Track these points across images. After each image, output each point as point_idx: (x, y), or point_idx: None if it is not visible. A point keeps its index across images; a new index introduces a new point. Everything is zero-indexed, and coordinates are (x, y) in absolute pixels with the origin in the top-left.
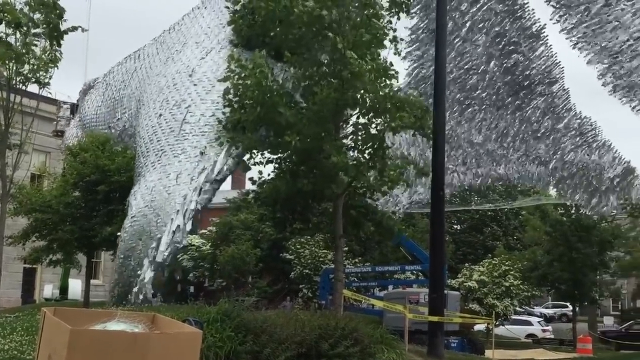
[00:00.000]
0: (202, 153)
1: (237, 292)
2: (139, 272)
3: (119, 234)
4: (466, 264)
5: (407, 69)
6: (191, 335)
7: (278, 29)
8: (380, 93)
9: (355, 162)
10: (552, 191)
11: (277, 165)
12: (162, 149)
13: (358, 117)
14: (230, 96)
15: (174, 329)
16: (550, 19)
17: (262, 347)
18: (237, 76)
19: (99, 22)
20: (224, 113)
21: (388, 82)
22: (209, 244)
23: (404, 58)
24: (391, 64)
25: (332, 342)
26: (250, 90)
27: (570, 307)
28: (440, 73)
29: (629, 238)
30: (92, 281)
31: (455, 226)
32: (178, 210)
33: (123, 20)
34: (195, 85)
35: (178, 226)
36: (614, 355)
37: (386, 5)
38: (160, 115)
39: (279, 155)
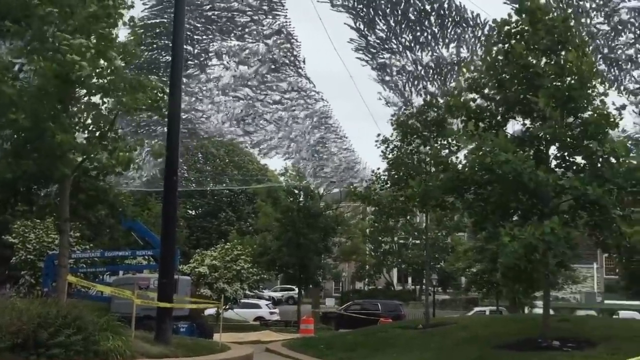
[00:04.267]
0: None
1: None
2: None
3: None
4: (199, 249)
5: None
6: None
7: None
8: (108, 72)
9: (85, 141)
10: (282, 179)
11: None
12: None
13: (89, 96)
14: None
15: None
16: None
17: None
18: None
19: None
20: None
21: (120, 61)
22: None
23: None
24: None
25: (52, 331)
26: None
27: (297, 290)
28: (177, 54)
29: (350, 225)
30: None
31: (190, 212)
32: None
33: None
34: None
35: None
36: (333, 334)
37: None
38: None
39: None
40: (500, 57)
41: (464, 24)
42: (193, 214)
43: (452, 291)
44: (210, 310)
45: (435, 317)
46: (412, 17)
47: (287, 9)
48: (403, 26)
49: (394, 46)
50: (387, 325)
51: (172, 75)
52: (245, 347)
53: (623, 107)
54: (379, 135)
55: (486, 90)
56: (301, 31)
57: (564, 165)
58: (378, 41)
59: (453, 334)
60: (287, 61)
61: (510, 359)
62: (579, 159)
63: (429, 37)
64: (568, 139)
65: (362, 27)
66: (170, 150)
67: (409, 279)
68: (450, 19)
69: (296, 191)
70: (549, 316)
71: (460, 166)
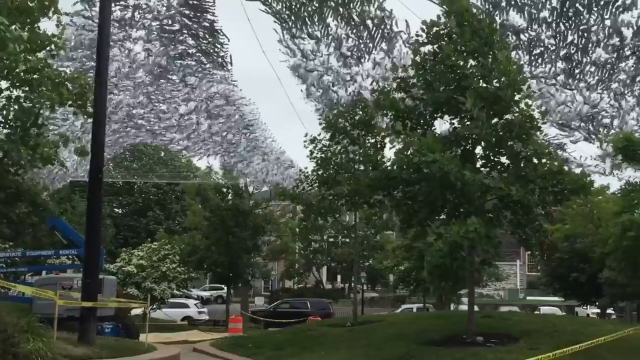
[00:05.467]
0: None
1: None
2: None
3: None
4: (125, 249)
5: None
6: None
7: None
8: (38, 66)
9: (5, 137)
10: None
11: None
12: None
13: (10, 90)
14: None
15: None
16: None
17: None
18: None
19: None
20: None
21: (43, 55)
22: None
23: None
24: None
25: None
26: None
27: (226, 289)
28: (102, 49)
29: (279, 223)
30: None
31: (117, 210)
32: None
33: None
34: None
35: None
36: (261, 332)
37: None
38: None
39: None
40: (429, 58)
41: (392, 34)
42: (120, 212)
43: (380, 289)
44: (137, 310)
45: (363, 315)
46: (340, 31)
47: (215, 7)
48: (329, 40)
49: (319, 64)
50: (315, 323)
51: (97, 70)
52: (172, 348)
53: (547, 111)
54: (306, 135)
55: (415, 90)
56: (225, 29)
57: (489, 165)
58: (303, 59)
59: (380, 331)
60: (215, 62)
61: (436, 354)
62: (503, 159)
63: (357, 49)
64: (493, 139)
65: (287, 37)
66: (96, 148)
67: (339, 277)
68: (379, 30)
69: (225, 189)
70: (474, 313)
71: (388, 164)
